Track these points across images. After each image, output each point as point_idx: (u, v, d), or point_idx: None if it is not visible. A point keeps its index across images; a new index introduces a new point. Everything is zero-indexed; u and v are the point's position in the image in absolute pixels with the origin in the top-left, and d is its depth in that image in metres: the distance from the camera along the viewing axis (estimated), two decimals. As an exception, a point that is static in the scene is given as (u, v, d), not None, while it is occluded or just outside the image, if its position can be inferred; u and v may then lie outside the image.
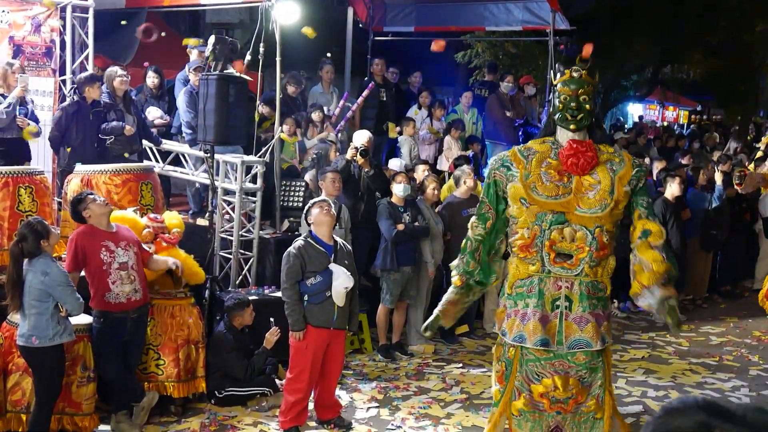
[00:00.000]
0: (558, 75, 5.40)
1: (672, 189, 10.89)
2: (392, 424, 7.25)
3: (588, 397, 5.35)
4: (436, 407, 7.65)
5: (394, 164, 10.74)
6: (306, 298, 6.84)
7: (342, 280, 6.82)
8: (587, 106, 5.27)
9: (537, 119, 13.93)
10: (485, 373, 8.56)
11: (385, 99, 12.58)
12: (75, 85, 9.17)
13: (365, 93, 11.97)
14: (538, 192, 5.28)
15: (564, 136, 5.33)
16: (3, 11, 9.54)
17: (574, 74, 5.30)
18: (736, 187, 10.08)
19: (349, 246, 7.31)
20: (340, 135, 11.17)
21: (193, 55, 10.58)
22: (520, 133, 13.36)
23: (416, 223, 9.10)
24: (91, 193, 6.88)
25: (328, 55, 15.39)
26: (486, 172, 6.02)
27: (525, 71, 18.18)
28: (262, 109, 10.08)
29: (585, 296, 5.25)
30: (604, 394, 5.36)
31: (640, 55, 20.93)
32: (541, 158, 5.37)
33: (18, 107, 8.66)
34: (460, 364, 8.98)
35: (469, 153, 12.09)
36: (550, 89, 5.92)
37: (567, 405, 5.36)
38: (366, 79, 12.84)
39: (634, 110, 29.89)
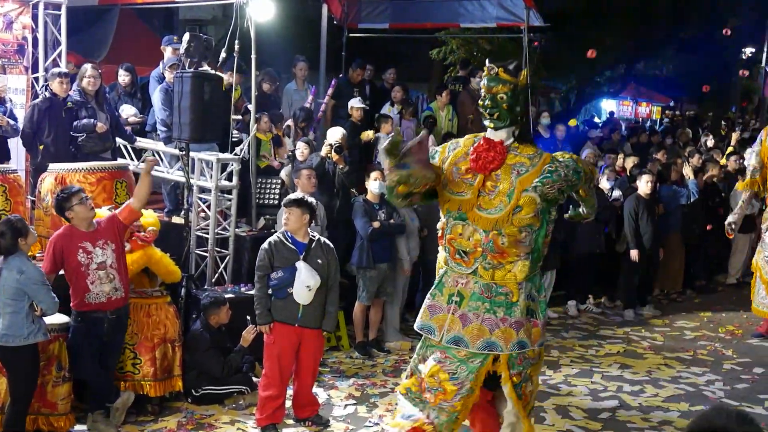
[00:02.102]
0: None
1: (641, 186, 10.94)
2: (369, 421, 7.25)
3: (455, 396, 5.19)
4: (414, 404, 7.65)
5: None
6: (270, 292, 6.88)
7: (304, 279, 6.79)
8: (504, 105, 5.16)
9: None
10: (462, 369, 8.59)
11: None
12: (47, 82, 9.10)
13: (330, 91, 12.08)
14: (447, 187, 5.24)
15: (488, 134, 5.29)
16: (-26, 9, 9.46)
17: (491, 72, 5.18)
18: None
19: (329, 243, 7.26)
20: (315, 133, 11.19)
21: (168, 53, 10.51)
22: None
23: (392, 221, 9.10)
24: (81, 191, 6.75)
25: None
26: None
27: (499, 68, 18.19)
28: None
29: (477, 296, 5.18)
30: (471, 397, 5.23)
31: (613, 50, 21.05)
32: (459, 153, 5.32)
33: None
34: (437, 361, 8.97)
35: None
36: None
37: (434, 396, 5.25)
38: (341, 76, 12.83)
39: (608, 106, 29.96)
